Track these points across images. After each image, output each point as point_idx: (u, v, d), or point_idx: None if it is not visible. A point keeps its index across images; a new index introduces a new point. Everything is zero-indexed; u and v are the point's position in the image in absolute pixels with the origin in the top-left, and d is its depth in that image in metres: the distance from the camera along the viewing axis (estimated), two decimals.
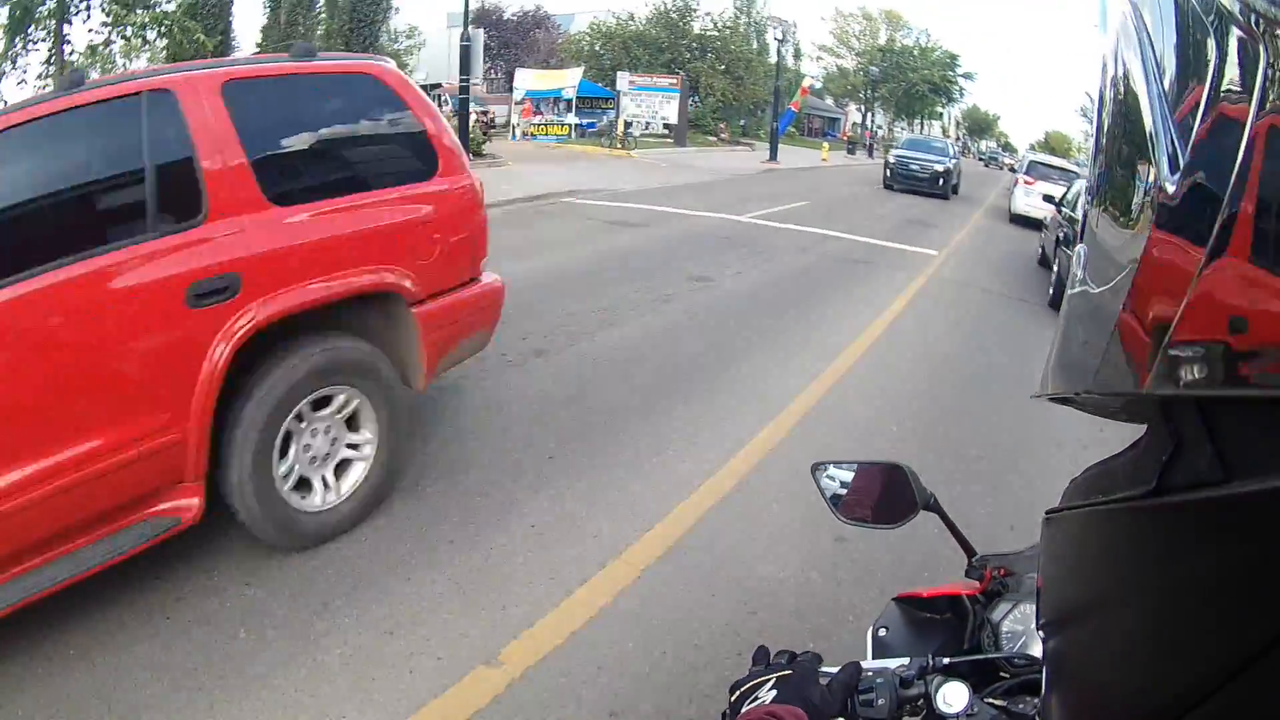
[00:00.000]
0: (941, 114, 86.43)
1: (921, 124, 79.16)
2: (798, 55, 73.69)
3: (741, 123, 46.91)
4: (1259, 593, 0.51)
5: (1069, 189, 16.80)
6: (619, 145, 37.29)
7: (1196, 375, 0.54)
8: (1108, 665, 0.74)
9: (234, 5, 24.48)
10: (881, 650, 1.95)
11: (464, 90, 21.91)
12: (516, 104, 44.15)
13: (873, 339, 9.62)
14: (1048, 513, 0.90)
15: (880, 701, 1.44)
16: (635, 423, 6.65)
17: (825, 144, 51.56)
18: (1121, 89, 0.77)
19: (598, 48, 54.18)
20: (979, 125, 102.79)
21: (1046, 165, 26.77)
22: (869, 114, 74.45)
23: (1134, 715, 0.67)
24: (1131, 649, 0.69)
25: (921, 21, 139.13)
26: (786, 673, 1.42)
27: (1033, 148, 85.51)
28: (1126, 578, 0.71)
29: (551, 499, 5.36)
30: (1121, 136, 0.79)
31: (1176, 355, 0.56)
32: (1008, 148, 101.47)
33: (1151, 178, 0.65)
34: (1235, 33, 0.53)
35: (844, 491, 2.05)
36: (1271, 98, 0.47)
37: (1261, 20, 0.50)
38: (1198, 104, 0.57)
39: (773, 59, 48.88)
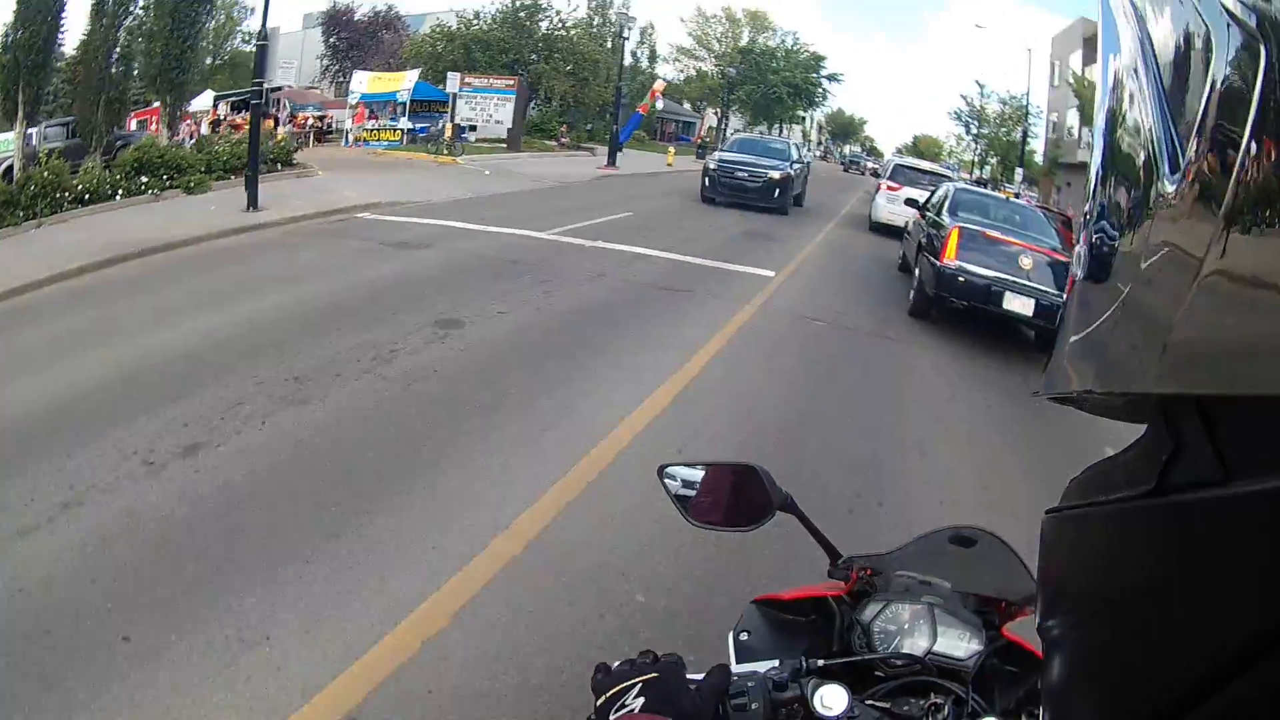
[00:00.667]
0: (804, 118, 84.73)
1: (780, 128, 76.85)
2: (653, 58, 72.62)
3: (589, 127, 43.98)
4: (1259, 592, 0.51)
5: (935, 192, 15.99)
6: (445, 151, 34.61)
7: (1196, 375, 0.57)
8: (1108, 665, 0.72)
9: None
10: (746, 655, 1.86)
11: (257, 96, 19.40)
12: (350, 108, 41.62)
13: (652, 413, 7.34)
14: (1047, 512, 0.87)
15: (754, 706, 1.41)
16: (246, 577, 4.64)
17: (671, 149, 48.96)
18: (1121, 90, 0.80)
19: (439, 49, 51.03)
20: (844, 129, 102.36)
21: (913, 169, 26.09)
22: (725, 118, 71.92)
23: (1134, 715, 0.66)
24: (1131, 649, 0.68)
25: (791, 23, 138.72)
26: (653, 676, 1.40)
27: (900, 151, 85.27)
28: (1126, 578, 0.70)
29: None
30: (1122, 137, 0.81)
31: (1176, 355, 0.57)
32: (874, 152, 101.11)
33: (1151, 178, 0.68)
34: (1235, 33, 0.54)
35: (692, 494, 1.97)
36: (1271, 98, 0.48)
37: (1262, 20, 0.51)
38: (1198, 104, 0.59)
39: (621, 58, 46.14)
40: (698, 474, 1.98)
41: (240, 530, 5.07)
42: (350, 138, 39.40)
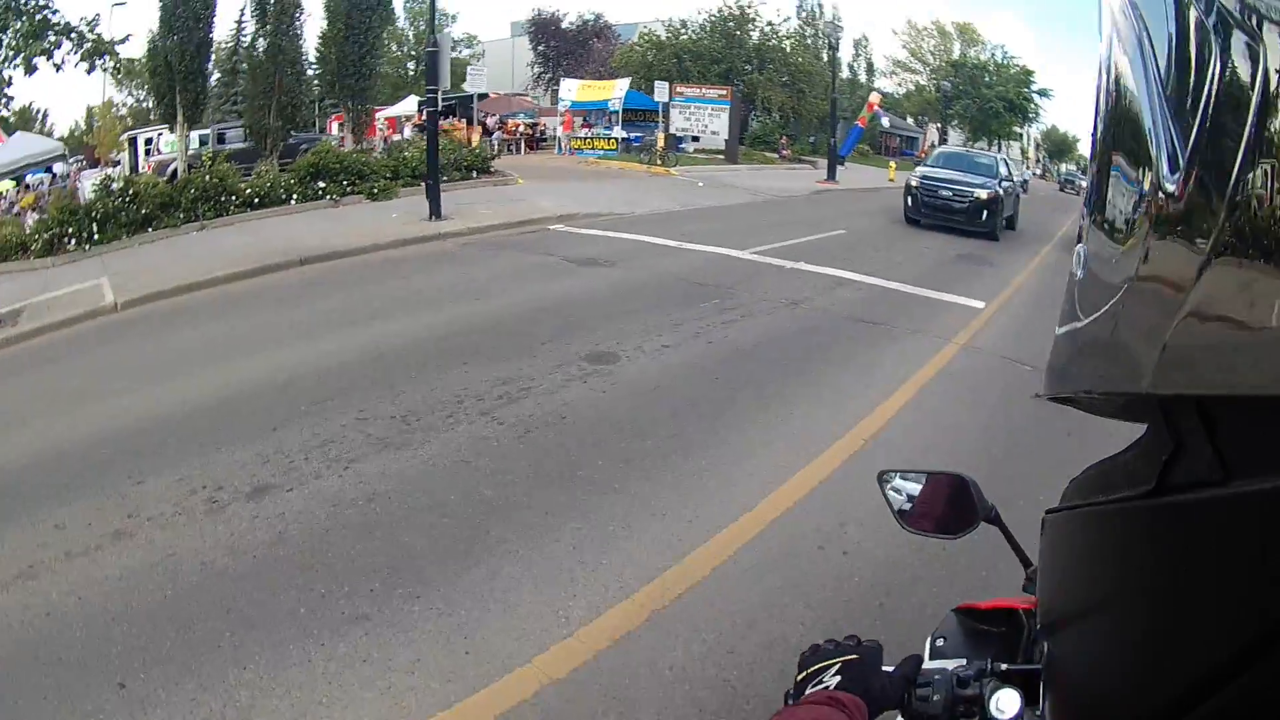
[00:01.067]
0: (1020, 134, 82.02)
1: (999, 144, 73.68)
2: (870, 70, 71.36)
3: (811, 139, 43.43)
4: (1258, 592, 0.52)
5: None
6: (658, 161, 34.40)
7: (1196, 375, 0.57)
8: (1108, 665, 0.75)
9: None
10: (938, 660, 1.78)
11: (430, 102, 18.77)
12: (559, 115, 42.55)
13: (811, 483, 6.17)
14: (1047, 512, 0.96)
15: (936, 698, 1.46)
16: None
17: (893, 163, 47.52)
18: (1122, 91, 0.80)
19: (649, 58, 50.96)
20: (1058, 147, 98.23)
21: None
22: (945, 132, 70.41)
23: (1134, 715, 0.68)
24: (1131, 649, 0.70)
25: (997, 36, 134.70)
26: (852, 657, 1.51)
27: None
28: (1126, 578, 0.72)
29: None
30: (1122, 137, 0.82)
31: (1176, 355, 0.57)
32: (1086, 171, 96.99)
33: (1152, 178, 0.68)
34: (1235, 33, 0.54)
35: (909, 504, 2.05)
36: (1271, 98, 0.48)
37: (1262, 20, 0.51)
38: (1198, 105, 0.59)
39: (834, 68, 45.51)
40: (914, 485, 2.06)
41: (265, 595, 4.68)
42: (563, 145, 39.97)
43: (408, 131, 36.66)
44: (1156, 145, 0.67)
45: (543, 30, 57.55)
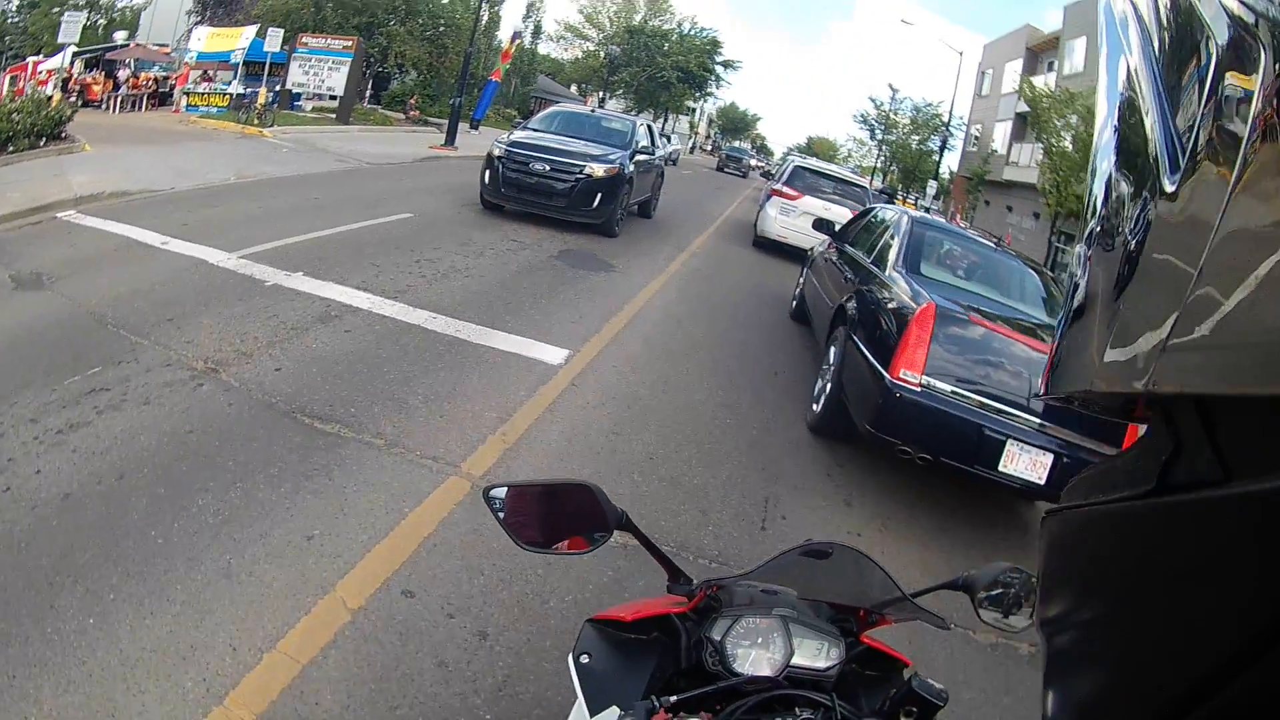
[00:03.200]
0: (693, 108, 79.88)
1: (665, 117, 71.77)
2: (538, 33, 66.56)
3: (454, 101, 37.89)
4: (1259, 592, 0.52)
5: (865, 218, 10.67)
6: (255, 122, 29.19)
7: (1196, 375, 0.57)
8: (1108, 665, 0.74)
9: None
10: (590, 679, 1.84)
11: None
12: (179, 67, 36.75)
13: None
14: (1048, 511, 0.90)
15: None
16: None
17: None
18: (1122, 92, 0.81)
19: (291, 4, 44.38)
20: (735, 124, 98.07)
21: (818, 173, 19.64)
22: (603, 102, 66.50)
23: (1134, 715, 0.68)
24: (1131, 649, 0.70)
25: (691, 7, 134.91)
26: None
27: (794, 151, 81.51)
28: (1126, 577, 0.71)
29: None
30: (1122, 138, 0.82)
31: (1176, 355, 0.58)
32: (763, 150, 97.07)
33: (1152, 178, 0.68)
34: (1236, 34, 0.55)
35: (516, 516, 1.89)
36: (1271, 98, 0.49)
37: (1262, 21, 0.52)
38: (1198, 105, 0.60)
39: (476, 18, 39.68)
40: (523, 492, 1.90)
41: None
42: (178, 101, 34.27)
43: (50, 87, 30.09)
44: (1157, 146, 0.67)
45: None
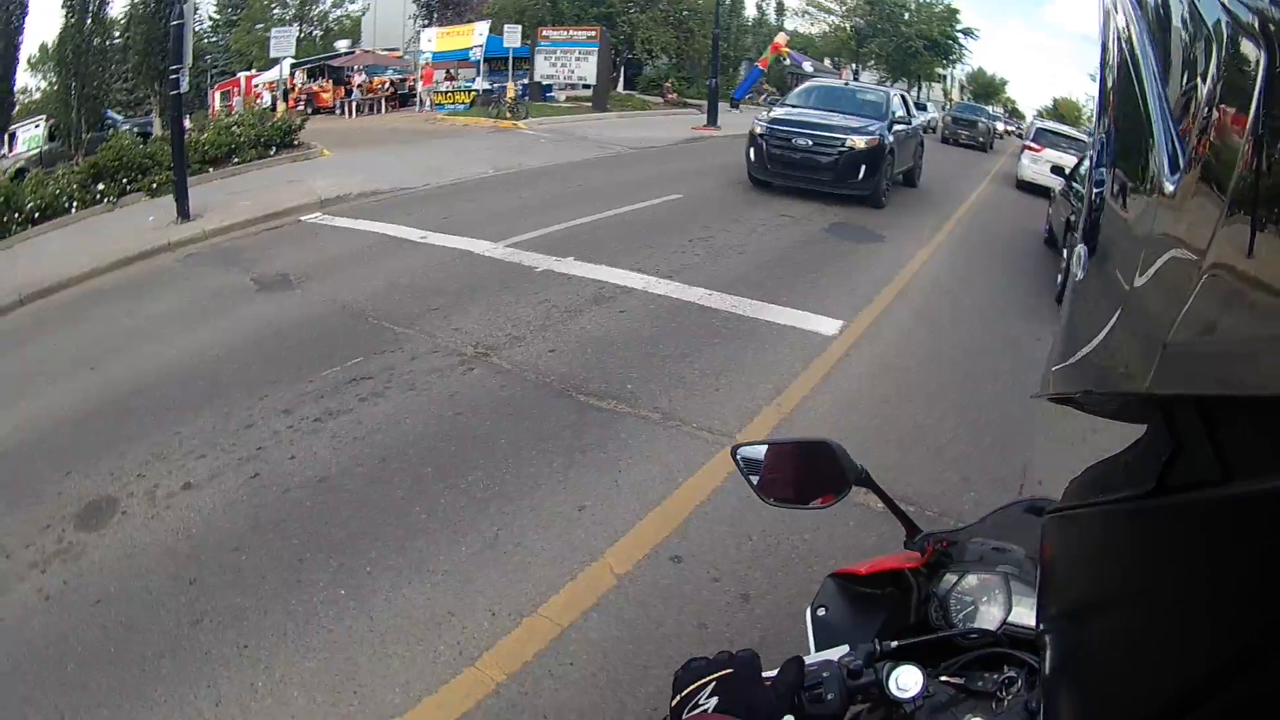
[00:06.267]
0: (944, 76, 77.60)
1: (919, 86, 70.20)
2: (781, 10, 66.39)
3: (710, 82, 38.11)
4: (1259, 593, 0.52)
5: (1080, 161, 14.38)
6: (507, 115, 29.60)
7: (1196, 375, 0.57)
8: (1108, 665, 0.74)
9: None
10: (823, 631, 1.87)
11: (174, 85, 14.79)
12: (417, 68, 37.89)
13: None
14: (1047, 512, 0.94)
15: (830, 696, 1.38)
16: None
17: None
18: (1122, 91, 0.81)
19: (526, 1, 45.16)
20: (985, 89, 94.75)
21: (1054, 133, 24.59)
22: (858, 74, 65.38)
23: (1135, 715, 0.67)
24: (1132, 649, 0.70)
25: None
26: (727, 672, 1.38)
27: (1040, 114, 78.75)
28: (1126, 577, 0.72)
29: None
30: (1122, 137, 0.84)
31: (1176, 355, 0.57)
32: (1015, 114, 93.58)
33: (1152, 179, 0.69)
34: (1236, 34, 0.55)
35: (762, 472, 1.94)
36: (1272, 98, 0.49)
37: (1262, 21, 0.51)
38: (1198, 105, 0.60)
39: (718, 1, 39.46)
40: (767, 449, 1.92)
41: None
42: (423, 102, 35.36)
43: (266, 99, 32.52)
44: (1157, 146, 0.67)
45: None
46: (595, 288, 8.80)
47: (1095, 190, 0.88)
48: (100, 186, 17.04)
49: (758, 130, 15.36)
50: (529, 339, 7.43)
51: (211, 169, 17.88)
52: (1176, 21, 0.68)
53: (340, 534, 4.77)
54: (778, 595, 4.24)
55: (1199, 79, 0.60)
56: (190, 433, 6.08)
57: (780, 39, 43.00)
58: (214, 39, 30.14)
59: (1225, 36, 0.56)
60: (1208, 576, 0.58)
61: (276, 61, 33.48)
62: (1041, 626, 0.95)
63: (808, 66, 43.21)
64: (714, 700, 1.32)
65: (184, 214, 14.10)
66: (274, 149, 20.05)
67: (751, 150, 15.51)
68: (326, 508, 5.04)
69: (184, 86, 14.83)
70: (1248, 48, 0.52)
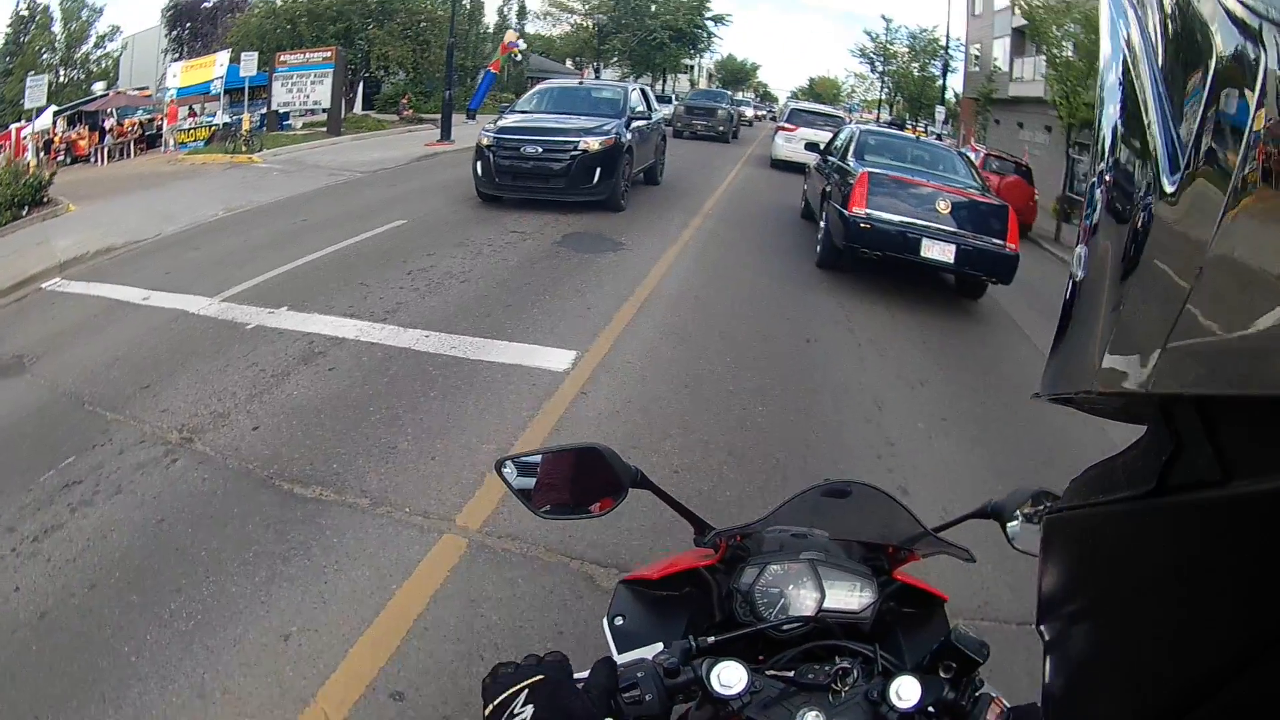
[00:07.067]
0: (691, 66, 78.73)
1: (664, 78, 71.05)
2: (523, 14, 65.94)
3: (446, 94, 37.26)
4: (1259, 593, 0.52)
5: (837, 135, 15.11)
6: (243, 149, 28.17)
7: (1196, 375, 0.57)
8: (1108, 665, 0.74)
9: None
10: (624, 640, 1.83)
11: None
12: (162, 106, 36.03)
13: None
14: (1047, 512, 0.90)
15: (648, 698, 1.36)
16: None
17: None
18: (1121, 89, 0.80)
19: (265, 26, 44.07)
20: (735, 76, 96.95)
21: (808, 112, 27.00)
22: (599, 71, 65.58)
23: (1134, 715, 0.67)
24: (1132, 649, 0.69)
25: None
26: (538, 679, 1.37)
27: (795, 95, 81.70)
28: (1126, 578, 0.71)
29: None
30: (1122, 137, 0.81)
31: (1176, 355, 0.57)
32: (768, 97, 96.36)
33: (1151, 178, 0.67)
34: (1236, 34, 0.55)
35: (532, 485, 1.86)
36: (1271, 98, 0.49)
37: (1262, 21, 0.52)
38: (1198, 105, 0.59)
39: (453, 9, 38.94)
40: (536, 461, 1.84)
41: None
42: (168, 142, 33.52)
43: (29, 153, 29.79)
44: (1157, 145, 0.67)
45: (182, 14, 50.00)
46: (305, 343, 8.00)
47: (1095, 190, 0.83)
48: None
49: (484, 142, 14.48)
50: (234, 415, 6.63)
51: None
52: (1175, 20, 0.67)
53: (59, 687, 4.13)
54: None
55: (1199, 78, 0.59)
56: None
57: (509, 37, 42.71)
58: None
59: (1224, 36, 0.55)
60: (1208, 576, 0.57)
61: (41, 110, 31.65)
62: (1040, 627, 0.85)
63: (518, 59, 43.10)
64: (529, 709, 1.29)
65: None
66: (26, 208, 18.84)
67: (479, 164, 14.68)
68: (50, 650, 4.39)
69: None
70: (1247, 48, 0.52)
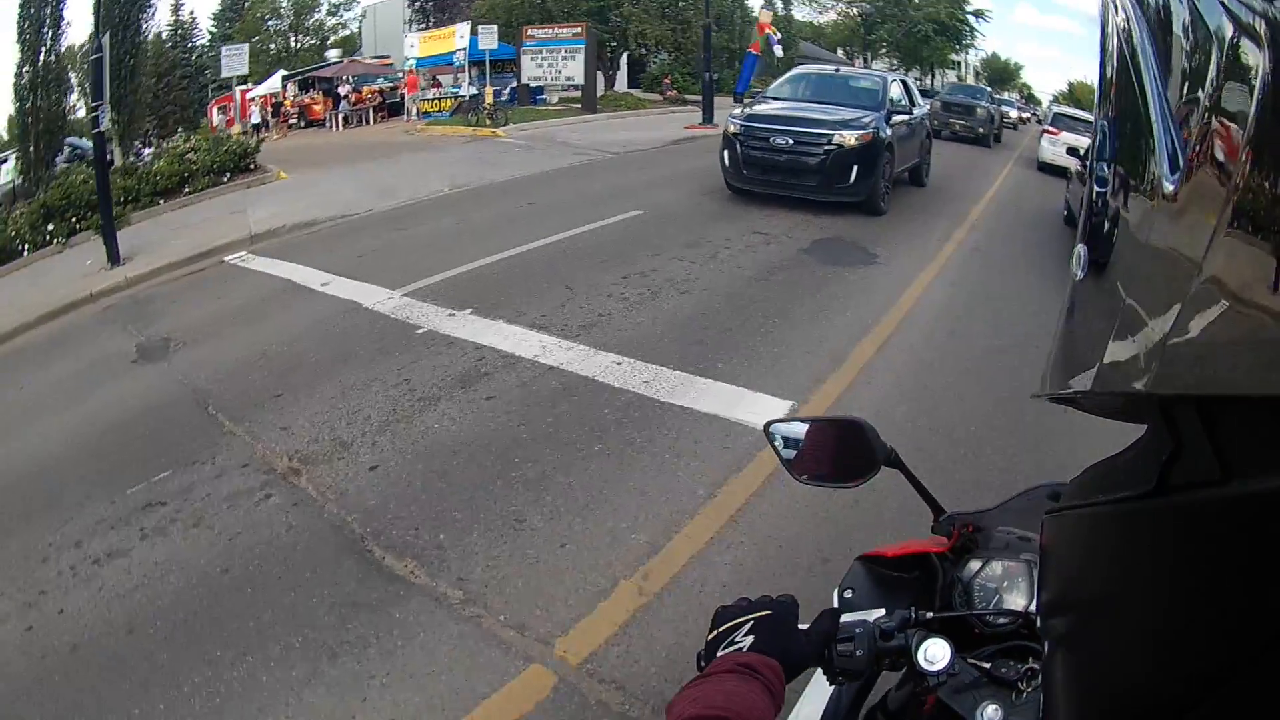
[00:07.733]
0: (957, 62, 75.92)
1: (932, 73, 68.88)
2: (787, 1, 64.18)
3: (706, 75, 36.18)
4: (1259, 593, 0.52)
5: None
6: (486, 121, 28.02)
7: (1196, 375, 0.57)
8: (1108, 664, 0.74)
9: None
10: (851, 613, 1.72)
11: (95, 123, 13.88)
12: (399, 75, 37.56)
13: None
14: (1047, 512, 0.92)
15: (859, 653, 1.40)
16: None
17: None
18: (1122, 90, 0.81)
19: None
20: (999, 75, 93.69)
21: (1070, 117, 25.42)
22: (869, 61, 63.73)
23: (1135, 714, 0.68)
24: (1132, 648, 0.70)
25: None
26: (765, 613, 1.40)
27: (1056, 99, 79.14)
28: (1126, 577, 0.71)
29: None
30: (1122, 137, 0.83)
31: (1176, 355, 0.58)
32: (1031, 99, 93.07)
33: (1151, 179, 0.69)
34: (1236, 34, 0.55)
35: (795, 451, 1.90)
36: (1271, 99, 0.49)
37: (1261, 22, 0.52)
38: (1198, 105, 0.60)
39: None
40: (802, 430, 1.90)
41: None
42: (410, 111, 34.23)
43: (254, 116, 31.83)
44: (1157, 146, 0.67)
45: None
46: (473, 359, 6.90)
47: (1095, 189, 0.86)
48: (50, 227, 16.67)
49: (732, 130, 13.15)
50: (356, 446, 5.63)
51: (162, 200, 17.23)
52: (1177, 21, 0.67)
53: None
54: None
55: (1199, 79, 0.59)
56: None
57: (764, 17, 41.05)
58: (212, 53, 29.55)
59: (1226, 37, 0.56)
60: (1208, 576, 0.57)
61: (253, 80, 32.48)
62: (1040, 625, 0.92)
63: (778, 50, 41.17)
64: (750, 639, 1.31)
65: (114, 258, 13.33)
66: (228, 175, 18.94)
67: (726, 154, 13.32)
68: (69, 686, 4.16)
69: (104, 124, 13.99)
70: (1248, 48, 0.52)
